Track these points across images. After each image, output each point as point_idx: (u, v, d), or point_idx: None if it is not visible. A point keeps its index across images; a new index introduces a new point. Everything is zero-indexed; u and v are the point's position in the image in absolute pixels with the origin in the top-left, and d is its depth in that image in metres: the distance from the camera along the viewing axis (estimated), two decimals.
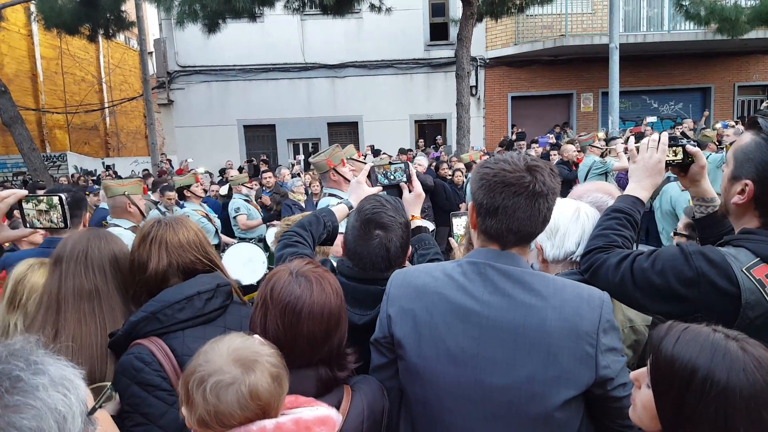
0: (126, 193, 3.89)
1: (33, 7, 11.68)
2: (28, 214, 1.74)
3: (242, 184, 7.37)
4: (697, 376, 1.02)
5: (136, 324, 1.61)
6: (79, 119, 18.97)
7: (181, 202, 6.43)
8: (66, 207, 1.72)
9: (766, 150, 1.39)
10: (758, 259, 1.37)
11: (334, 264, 1.89)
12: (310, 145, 16.53)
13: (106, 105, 20.13)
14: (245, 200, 7.18)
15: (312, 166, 4.31)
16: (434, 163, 9.66)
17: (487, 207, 1.39)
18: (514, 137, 14.09)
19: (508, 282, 1.38)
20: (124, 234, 3.57)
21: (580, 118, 16.26)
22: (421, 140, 15.84)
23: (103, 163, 17.61)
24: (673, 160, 1.75)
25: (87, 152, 18.89)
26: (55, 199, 1.71)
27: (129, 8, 12.92)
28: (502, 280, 1.38)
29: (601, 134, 11.82)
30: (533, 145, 10.64)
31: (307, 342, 1.36)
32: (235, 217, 6.99)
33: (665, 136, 1.75)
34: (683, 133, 7.64)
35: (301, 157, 14.10)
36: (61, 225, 1.75)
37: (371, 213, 1.73)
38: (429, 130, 16.57)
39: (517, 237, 1.41)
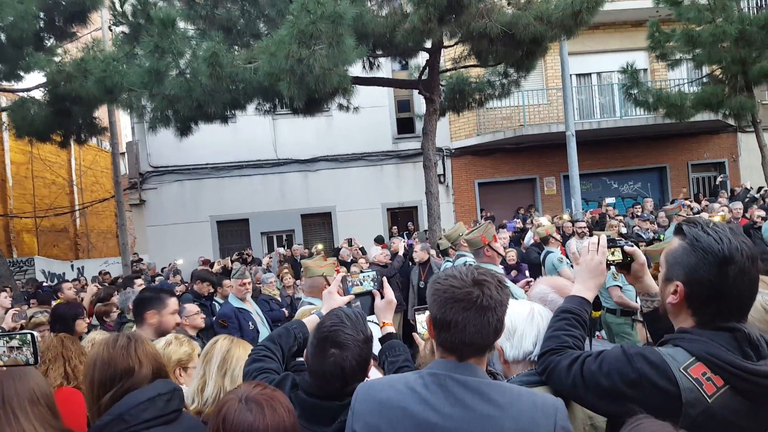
0: (324, 274, 4.13)
1: (5, 117, 11.89)
2: None
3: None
4: None
5: (103, 427, 1.69)
6: (49, 222, 18.81)
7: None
8: (37, 344, 1.77)
9: (692, 254, 1.50)
10: (694, 358, 1.43)
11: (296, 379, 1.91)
12: (284, 237, 16.61)
13: (77, 207, 20.07)
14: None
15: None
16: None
17: (440, 321, 1.47)
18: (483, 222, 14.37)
19: (467, 393, 1.43)
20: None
21: (545, 201, 16.79)
22: (394, 227, 16.08)
23: (72, 266, 17.29)
24: (614, 261, 1.86)
25: (56, 255, 18.58)
26: (28, 336, 1.76)
27: (101, 114, 13.24)
28: (462, 392, 1.44)
29: (566, 216, 12.19)
30: (501, 230, 10.88)
31: None
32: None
33: (604, 238, 1.88)
34: (621, 234, 8.03)
35: (281, 250, 14.11)
36: (31, 362, 1.77)
37: (328, 331, 1.78)
38: (401, 217, 16.86)
39: (472, 349, 1.47)
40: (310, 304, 4.02)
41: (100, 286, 7.37)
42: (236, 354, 2.36)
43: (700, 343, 1.45)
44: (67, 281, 7.71)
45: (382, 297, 2.31)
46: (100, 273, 13.82)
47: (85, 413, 1.91)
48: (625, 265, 1.87)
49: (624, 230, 9.69)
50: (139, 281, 7.42)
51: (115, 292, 6.14)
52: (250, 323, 5.15)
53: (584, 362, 1.57)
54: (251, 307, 5.57)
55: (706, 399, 1.39)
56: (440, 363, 1.51)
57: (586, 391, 1.54)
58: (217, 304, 6.87)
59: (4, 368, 1.74)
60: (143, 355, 1.87)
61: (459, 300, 1.44)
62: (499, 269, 3.88)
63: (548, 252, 7.51)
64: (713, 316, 1.48)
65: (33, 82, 11.39)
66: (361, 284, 2.35)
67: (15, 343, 1.75)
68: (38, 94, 11.36)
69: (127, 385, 1.79)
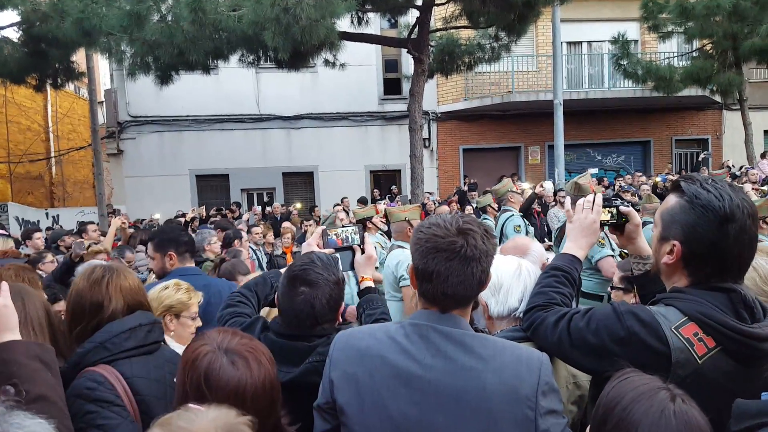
0: (407, 218, 4.20)
1: None
2: None
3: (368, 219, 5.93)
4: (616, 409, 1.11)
5: (84, 354, 1.72)
6: (23, 168, 18.33)
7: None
8: None
9: (690, 212, 1.42)
10: (686, 317, 1.39)
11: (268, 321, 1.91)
12: (265, 195, 16.42)
13: (53, 155, 19.56)
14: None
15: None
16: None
17: (422, 271, 1.42)
18: (466, 188, 14.39)
19: (449, 344, 1.38)
20: (406, 253, 3.81)
21: (528, 170, 16.80)
22: (376, 190, 15.99)
23: (47, 214, 16.95)
24: (608, 221, 1.81)
25: (30, 202, 18.17)
26: None
27: (79, 58, 12.74)
28: (444, 343, 1.39)
29: (548, 184, 12.22)
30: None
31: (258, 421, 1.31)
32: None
33: (599, 197, 1.81)
34: (618, 195, 7.98)
35: (258, 209, 13.94)
36: None
37: (298, 270, 1.77)
38: (384, 180, 16.76)
39: (454, 300, 1.42)
40: (400, 247, 4.08)
41: (124, 220, 7.39)
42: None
43: (693, 303, 1.40)
44: (92, 223, 8.01)
45: (363, 252, 2.27)
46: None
47: None
48: (619, 226, 1.81)
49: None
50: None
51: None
52: None
53: (571, 319, 1.52)
54: None
55: (696, 360, 1.35)
56: (422, 314, 1.45)
57: (572, 347, 1.50)
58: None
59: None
60: (114, 290, 1.85)
61: (442, 250, 1.38)
62: None
63: None
64: (709, 275, 1.43)
65: (6, 20, 10.89)
66: (345, 239, 2.30)
67: None
68: (12, 34, 10.89)
69: (97, 320, 1.81)
